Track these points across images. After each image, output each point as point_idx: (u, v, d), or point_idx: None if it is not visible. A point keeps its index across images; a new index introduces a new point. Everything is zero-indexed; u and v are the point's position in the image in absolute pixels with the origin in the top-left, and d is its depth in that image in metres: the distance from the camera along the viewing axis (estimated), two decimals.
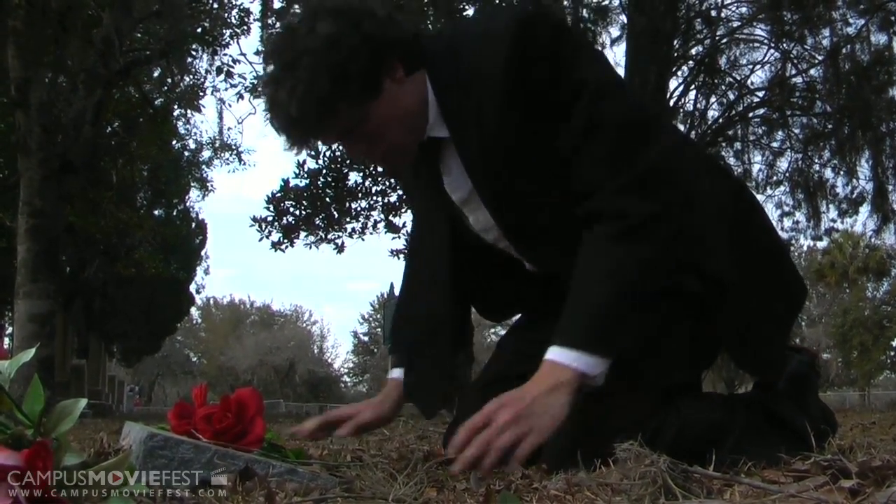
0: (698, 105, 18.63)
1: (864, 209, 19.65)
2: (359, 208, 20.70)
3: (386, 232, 20.99)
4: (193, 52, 18.16)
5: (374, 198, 20.80)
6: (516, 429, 1.92)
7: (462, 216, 2.45)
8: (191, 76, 19.46)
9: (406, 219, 22.28)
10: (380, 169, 20.34)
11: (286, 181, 19.99)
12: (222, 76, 18.54)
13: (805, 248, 47.78)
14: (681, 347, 2.22)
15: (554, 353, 2.02)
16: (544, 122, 2.12)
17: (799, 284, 2.48)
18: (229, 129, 29.86)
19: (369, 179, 20.58)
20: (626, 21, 16.67)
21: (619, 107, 2.10)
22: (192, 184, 28.36)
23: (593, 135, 2.08)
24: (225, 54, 18.62)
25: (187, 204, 32.89)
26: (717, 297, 2.18)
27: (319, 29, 2.11)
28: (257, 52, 17.71)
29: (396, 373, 2.67)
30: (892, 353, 52.90)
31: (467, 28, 2.33)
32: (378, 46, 2.15)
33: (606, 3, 17.54)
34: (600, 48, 17.71)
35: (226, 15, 17.83)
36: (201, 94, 20.28)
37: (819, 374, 2.62)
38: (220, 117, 21.28)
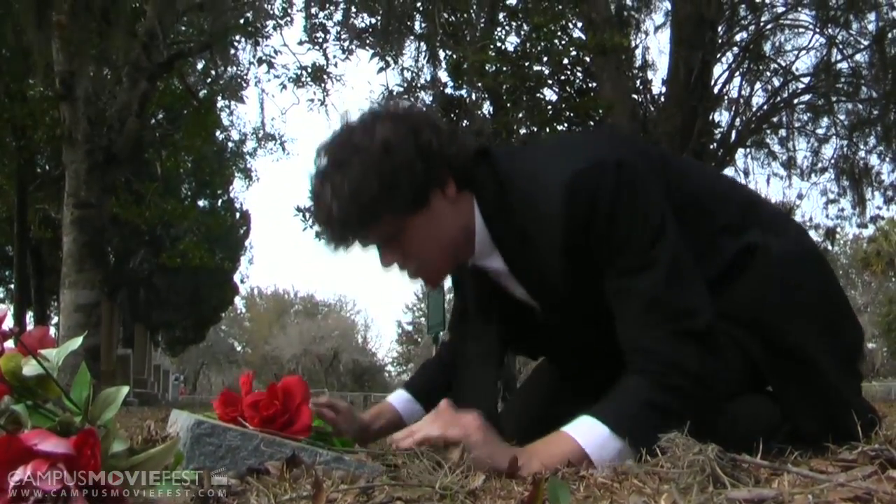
0: (743, 92, 18.47)
1: None
2: None
3: None
4: (236, 44, 18.25)
5: None
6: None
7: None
8: (234, 67, 19.54)
9: None
10: None
11: None
12: (264, 67, 18.62)
13: (850, 235, 47.47)
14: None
15: (570, 425, 1.99)
16: (597, 260, 2.10)
17: (857, 330, 2.44)
18: (273, 119, 30.03)
19: None
20: (670, 7, 16.58)
21: (658, 275, 2.05)
22: (236, 174, 28.50)
23: (637, 294, 2.06)
24: (267, 45, 18.67)
25: (231, 194, 33.07)
26: (789, 366, 2.20)
27: (377, 132, 2.10)
28: (300, 43, 17.76)
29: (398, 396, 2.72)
30: None
31: (520, 164, 2.25)
32: (433, 159, 2.13)
33: None
34: (645, 34, 17.66)
35: (268, 6, 17.89)
36: (244, 85, 20.36)
37: (861, 375, 2.60)
38: (262, 108, 21.45)
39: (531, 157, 2.31)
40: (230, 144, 25.92)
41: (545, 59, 15.73)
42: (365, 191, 2.07)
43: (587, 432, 1.95)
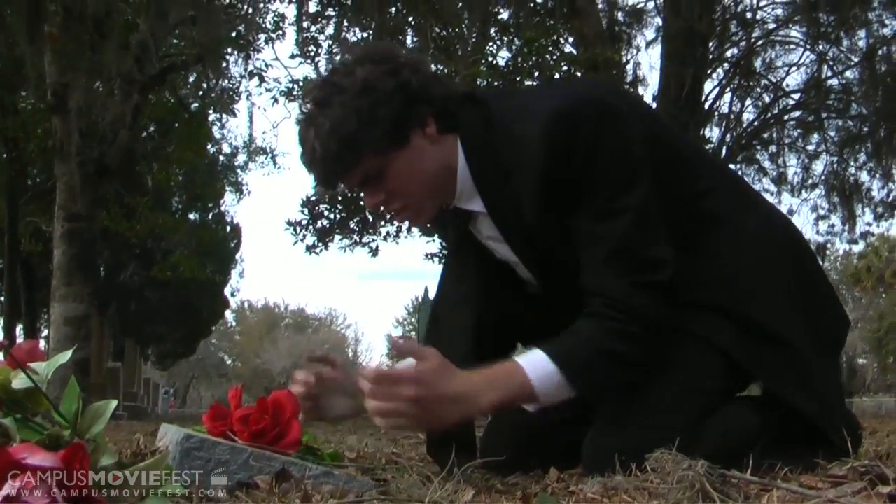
0: (733, 108, 18.55)
1: None
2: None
3: (420, 235, 21.00)
4: (228, 57, 18.22)
5: None
6: (410, 409, 1.97)
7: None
8: (226, 80, 19.51)
9: None
10: None
11: None
12: (255, 80, 18.60)
13: (841, 251, 47.46)
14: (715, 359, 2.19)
15: (521, 356, 2.07)
16: (575, 203, 2.12)
17: (842, 318, 2.43)
18: (264, 132, 29.98)
19: None
20: (661, 23, 16.62)
21: (627, 222, 2.08)
22: (227, 188, 28.44)
23: (604, 239, 2.10)
24: (258, 59, 18.65)
25: (222, 208, 33.01)
26: (766, 350, 2.17)
27: (358, 72, 2.15)
28: (292, 56, 17.75)
29: None
30: None
31: (507, 102, 2.30)
32: (413, 97, 2.16)
33: (641, 5, 17.54)
34: (636, 50, 17.69)
35: (261, 20, 17.89)
36: (236, 98, 20.33)
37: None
38: (251, 121, 21.53)
39: (519, 96, 2.45)
40: (221, 158, 25.90)
41: (536, 73, 15.75)
42: (344, 127, 2.11)
43: (540, 371, 2.04)
